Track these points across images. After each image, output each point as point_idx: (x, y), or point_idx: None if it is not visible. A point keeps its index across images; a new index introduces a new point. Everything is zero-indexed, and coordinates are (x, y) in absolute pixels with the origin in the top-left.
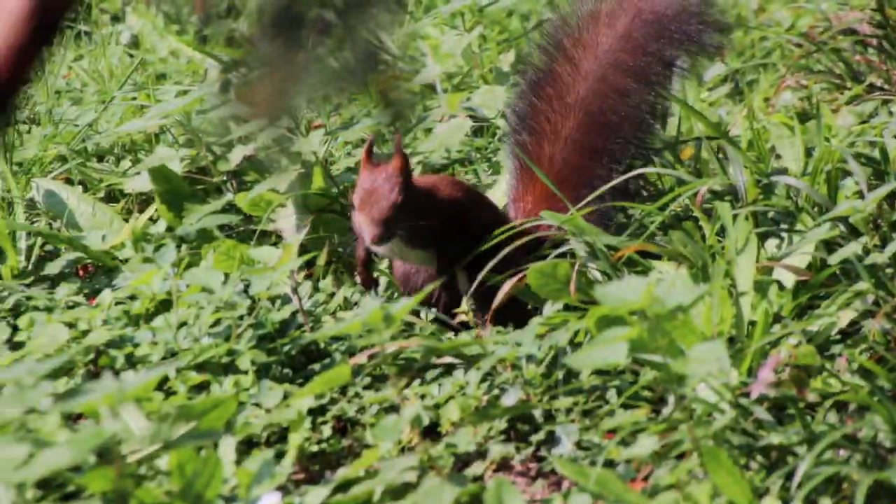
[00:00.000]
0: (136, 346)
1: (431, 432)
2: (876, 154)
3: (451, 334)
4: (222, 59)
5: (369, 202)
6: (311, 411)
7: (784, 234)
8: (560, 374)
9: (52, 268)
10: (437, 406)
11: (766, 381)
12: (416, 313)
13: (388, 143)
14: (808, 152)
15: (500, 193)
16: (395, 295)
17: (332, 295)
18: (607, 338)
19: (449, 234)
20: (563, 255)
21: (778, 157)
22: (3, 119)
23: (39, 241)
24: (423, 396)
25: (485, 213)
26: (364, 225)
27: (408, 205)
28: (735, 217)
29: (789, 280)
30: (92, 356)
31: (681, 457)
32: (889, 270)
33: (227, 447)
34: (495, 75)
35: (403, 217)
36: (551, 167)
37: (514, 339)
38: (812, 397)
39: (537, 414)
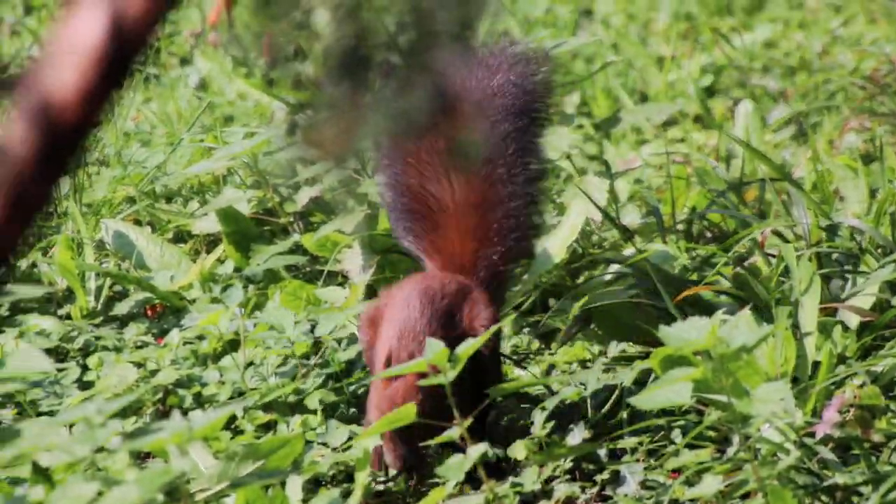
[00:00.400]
0: (203, 385)
1: (496, 471)
2: None
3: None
4: (289, 101)
5: (394, 436)
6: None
7: (848, 276)
8: (625, 414)
9: (121, 308)
10: (503, 444)
11: (830, 421)
12: None
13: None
14: (872, 194)
15: (563, 235)
16: None
17: None
18: (671, 378)
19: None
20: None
21: (842, 198)
22: (73, 161)
23: (108, 281)
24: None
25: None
26: (387, 452)
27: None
28: (799, 258)
29: (853, 321)
30: (160, 395)
31: (745, 497)
32: None
33: (294, 486)
34: (560, 117)
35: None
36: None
37: (578, 378)
38: (877, 438)
39: (602, 453)
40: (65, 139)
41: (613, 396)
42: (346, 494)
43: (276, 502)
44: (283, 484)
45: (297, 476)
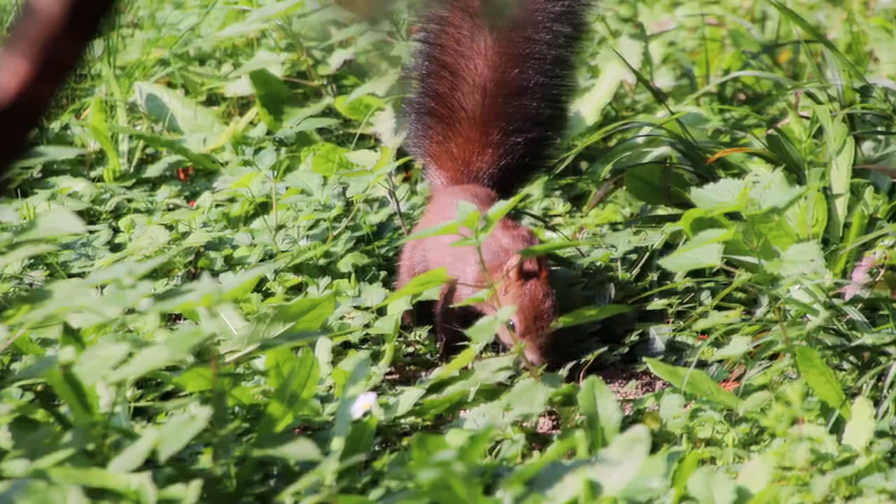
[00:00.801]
0: (234, 247)
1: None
2: None
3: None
4: None
5: (536, 329)
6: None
7: (880, 137)
8: (654, 276)
9: (153, 170)
10: None
11: (859, 282)
12: None
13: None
14: None
15: (596, 98)
16: None
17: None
18: (701, 239)
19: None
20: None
21: (875, 60)
22: (105, 21)
23: (141, 144)
24: None
25: None
26: (527, 352)
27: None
28: (832, 119)
29: (885, 182)
30: (191, 258)
31: (773, 357)
32: None
33: (324, 348)
34: None
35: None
36: (471, 116)
37: (608, 241)
38: None
39: (631, 315)
40: None
41: (643, 258)
42: (376, 356)
43: (306, 364)
44: (312, 346)
45: (326, 338)
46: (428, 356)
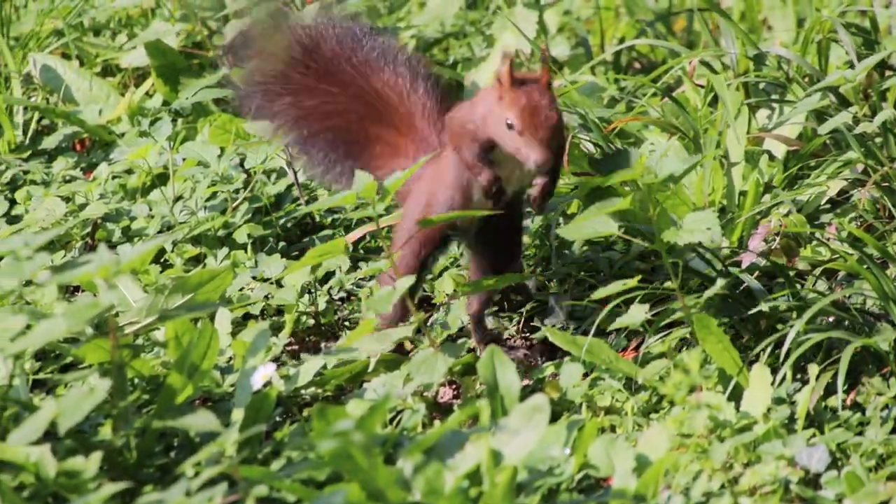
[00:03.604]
0: (132, 219)
1: (426, 304)
2: (866, 24)
3: None
4: None
5: (536, 125)
6: (306, 285)
7: (775, 105)
8: (553, 246)
9: (49, 142)
10: (431, 278)
11: (756, 250)
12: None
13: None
14: (800, 23)
15: (492, 68)
16: None
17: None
18: (599, 209)
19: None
20: None
21: (769, 28)
22: None
23: (36, 115)
24: None
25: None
26: (530, 149)
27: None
28: (727, 88)
29: (780, 150)
30: (89, 229)
31: (672, 325)
32: (878, 140)
33: (224, 319)
34: None
35: (562, 140)
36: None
37: None
38: (802, 265)
39: (530, 285)
40: None
41: (541, 228)
42: (276, 327)
43: (205, 335)
44: (212, 317)
45: (226, 309)
46: (328, 328)
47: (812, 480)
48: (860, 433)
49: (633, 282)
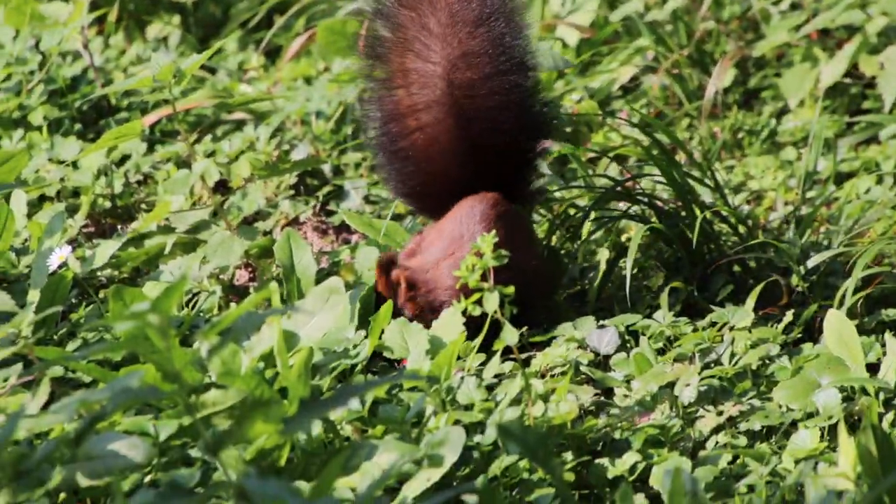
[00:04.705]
0: None
1: (222, 188)
2: None
3: (244, 89)
4: None
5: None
6: (102, 167)
7: None
8: (349, 130)
9: None
10: (228, 162)
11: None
12: None
13: None
14: None
15: None
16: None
17: (124, 52)
18: None
19: None
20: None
21: None
22: None
23: None
24: (213, 153)
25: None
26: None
27: None
28: None
29: (573, 37)
30: None
31: None
32: (669, 27)
33: (19, 200)
34: None
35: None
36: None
37: (303, 95)
38: (593, 151)
39: (326, 169)
40: None
41: (338, 113)
42: (72, 209)
43: (1, 216)
44: (7, 198)
45: (21, 191)
46: (125, 211)
47: (602, 362)
48: (649, 316)
49: None
